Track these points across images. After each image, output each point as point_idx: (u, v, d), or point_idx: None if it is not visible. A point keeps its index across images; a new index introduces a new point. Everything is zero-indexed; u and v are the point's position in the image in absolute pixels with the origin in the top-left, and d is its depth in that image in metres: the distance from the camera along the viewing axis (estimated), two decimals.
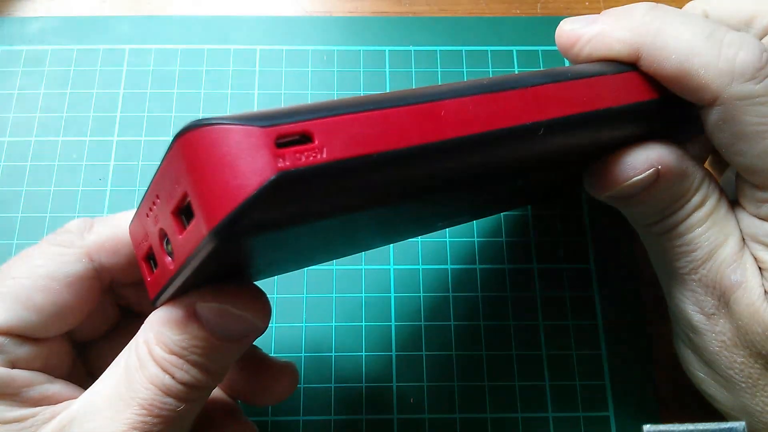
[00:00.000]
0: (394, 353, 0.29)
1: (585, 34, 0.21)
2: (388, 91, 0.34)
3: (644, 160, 0.20)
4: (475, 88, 0.17)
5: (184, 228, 0.15)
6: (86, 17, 0.35)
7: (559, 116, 0.18)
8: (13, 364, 0.20)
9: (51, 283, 0.20)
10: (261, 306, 0.19)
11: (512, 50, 0.35)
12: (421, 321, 0.30)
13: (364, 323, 0.30)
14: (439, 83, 0.34)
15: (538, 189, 0.27)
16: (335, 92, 0.34)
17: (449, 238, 0.31)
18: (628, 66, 0.21)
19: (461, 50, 0.35)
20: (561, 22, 0.22)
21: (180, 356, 0.18)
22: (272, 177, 0.13)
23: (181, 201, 0.15)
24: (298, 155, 0.14)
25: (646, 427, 0.18)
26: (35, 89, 0.33)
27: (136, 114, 0.33)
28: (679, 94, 0.20)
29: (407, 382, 0.29)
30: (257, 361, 0.24)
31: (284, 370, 0.24)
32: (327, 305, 0.30)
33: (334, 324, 0.30)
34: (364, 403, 0.28)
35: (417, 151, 0.15)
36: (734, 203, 0.22)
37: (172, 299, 0.19)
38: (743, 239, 0.21)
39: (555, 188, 0.29)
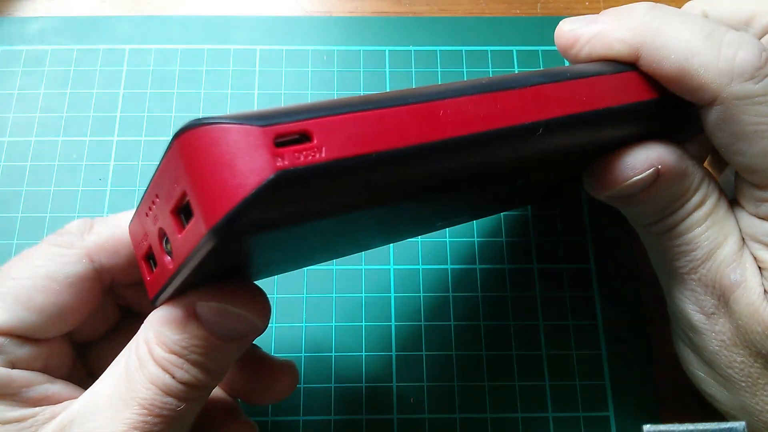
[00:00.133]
0: (394, 353, 0.29)
1: (584, 34, 0.21)
2: (388, 91, 0.34)
3: (644, 160, 0.20)
4: (474, 87, 0.17)
5: (183, 227, 0.15)
6: (86, 17, 0.35)
7: (559, 116, 0.18)
8: (13, 365, 0.20)
9: (51, 283, 0.20)
10: (261, 305, 0.19)
11: (512, 50, 0.35)
12: (421, 321, 0.30)
13: (364, 323, 0.30)
14: (439, 83, 0.34)
15: (537, 189, 0.27)
16: (335, 92, 0.34)
17: (449, 238, 0.31)
18: (628, 66, 0.21)
19: (461, 50, 0.35)
20: (560, 22, 0.22)
21: (180, 356, 0.18)
22: (271, 176, 0.13)
23: (180, 200, 0.15)
24: (296, 154, 0.14)
25: (646, 427, 0.18)
26: (35, 89, 0.33)
27: (136, 114, 0.33)
28: (679, 93, 0.20)
29: (407, 382, 0.29)
30: (257, 361, 0.24)
31: (284, 369, 0.24)
32: (327, 305, 0.30)
33: (334, 324, 0.30)
34: (364, 403, 0.28)
35: (416, 150, 0.15)
36: (733, 203, 0.22)
37: (172, 299, 0.19)
38: (743, 239, 0.21)
39: (555, 188, 0.29)
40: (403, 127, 0.15)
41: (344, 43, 0.35)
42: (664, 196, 0.21)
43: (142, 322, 0.19)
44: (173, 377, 0.18)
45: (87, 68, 0.34)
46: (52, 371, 0.21)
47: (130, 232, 0.20)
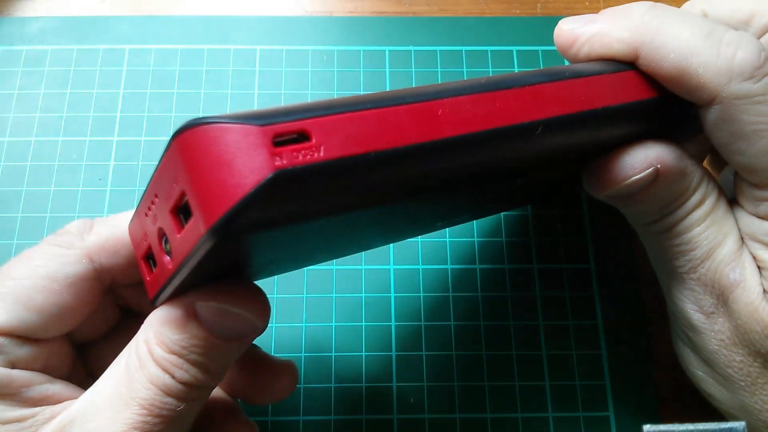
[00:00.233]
0: (394, 353, 0.29)
1: (583, 33, 0.21)
2: (386, 90, 0.34)
3: (643, 159, 0.20)
4: (473, 87, 0.17)
5: (183, 227, 0.15)
6: (86, 17, 0.35)
7: (557, 115, 0.18)
8: (13, 365, 0.20)
9: (51, 284, 0.20)
10: (260, 305, 0.19)
11: (512, 50, 0.35)
12: (421, 321, 0.30)
13: (364, 323, 0.30)
14: (438, 83, 0.34)
15: (537, 188, 0.27)
16: (335, 92, 0.34)
17: (449, 238, 0.31)
18: (627, 65, 0.21)
19: (461, 50, 0.35)
20: (560, 22, 0.22)
21: (180, 356, 0.18)
22: (269, 175, 0.13)
23: (179, 200, 0.15)
24: (295, 154, 0.14)
25: (646, 427, 0.18)
26: (35, 89, 0.33)
27: (136, 114, 0.33)
28: (678, 93, 0.20)
29: (407, 382, 0.29)
30: (257, 360, 0.24)
31: (284, 369, 0.24)
32: (327, 305, 0.30)
33: (334, 324, 0.30)
34: (364, 403, 0.28)
35: (414, 150, 0.15)
36: (733, 202, 0.22)
37: (172, 299, 0.19)
38: (742, 238, 0.21)
39: (554, 188, 0.29)
40: (401, 127, 0.15)
41: (344, 43, 0.35)
42: (664, 196, 0.21)
43: (142, 322, 0.19)
44: (173, 377, 0.18)
45: (87, 68, 0.34)
46: (52, 371, 0.21)
47: (129, 233, 0.20)
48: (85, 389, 0.20)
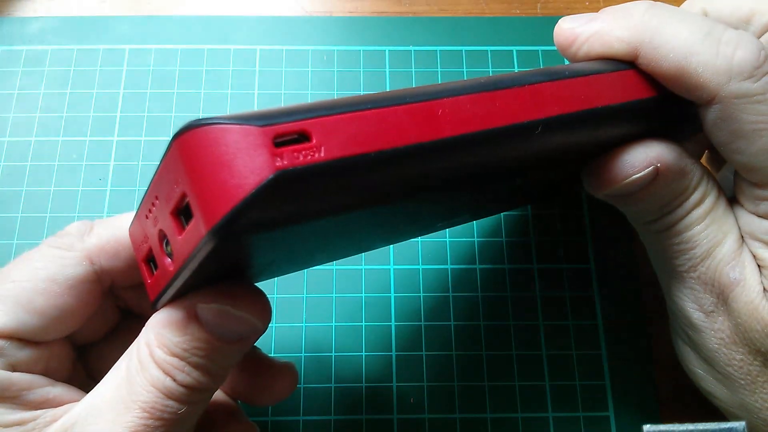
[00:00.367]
0: (394, 353, 0.29)
1: (583, 32, 0.21)
2: (387, 90, 0.34)
3: (643, 158, 0.21)
4: (473, 86, 0.17)
5: (183, 229, 0.15)
6: (86, 17, 0.35)
7: (557, 114, 0.18)
8: (13, 368, 0.20)
9: (52, 286, 0.20)
10: (261, 306, 0.19)
11: (512, 50, 0.35)
12: (421, 321, 0.30)
13: (364, 323, 0.30)
14: (438, 83, 0.34)
15: (537, 188, 0.27)
16: (335, 92, 0.34)
17: (449, 238, 0.31)
18: (627, 64, 0.21)
19: (461, 50, 0.35)
20: (559, 21, 0.22)
21: (181, 358, 0.18)
22: (270, 176, 0.13)
23: (180, 201, 0.15)
24: (295, 154, 0.14)
25: (646, 427, 0.18)
26: (35, 89, 0.33)
27: (136, 114, 0.33)
28: (677, 92, 0.20)
29: (407, 382, 0.29)
30: (257, 362, 0.24)
31: (284, 370, 0.24)
32: (327, 305, 0.30)
33: (334, 324, 0.30)
34: (364, 403, 0.28)
35: (414, 149, 0.15)
36: (733, 201, 0.22)
37: (173, 301, 0.18)
38: (742, 237, 0.21)
39: (554, 187, 0.29)
40: (401, 127, 0.15)
41: (344, 43, 0.35)
42: (663, 195, 0.21)
43: (142, 324, 0.19)
44: (174, 380, 0.18)
45: (87, 68, 0.34)
46: (52, 374, 0.21)
47: (130, 235, 0.20)
48: (85, 391, 0.20)
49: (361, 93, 0.34)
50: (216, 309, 0.18)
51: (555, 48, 0.23)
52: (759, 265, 0.21)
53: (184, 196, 0.15)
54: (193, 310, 0.18)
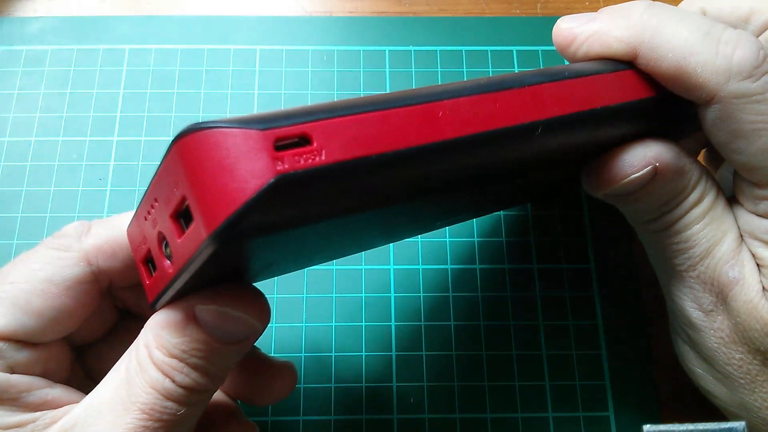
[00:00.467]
0: (394, 353, 0.29)
1: (582, 32, 0.21)
2: (388, 91, 0.34)
3: (641, 158, 0.21)
4: (473, 88, 0.17)
5: (183, 231, 0.15)
6: (86, 17, 0.35)
7: (557, 115, 0.18)
8: (12, 369, 0.20)
9: (49, 287, 0.20)
10: (260, 307, 0.19)
11: (512, 50, 0.35)
12: (421, 321, 0.30)
13: (364, 323, 0.30)
14: (439, 83, 0.34)
15: (537, 187, 0.28)
16: (335, 92, 0.34)
17: (449, 238, 0.31)
18: (626, 64, 0.21)
19: (461, 50, 0.35)
20: (558, 20, 0.22)
21: (180, 359, 0.18)
22: (271, 180, 0.13)
23: (180, 204, 0.15)
24: (296, 158, 0.14)
25: (646, 427, 0.18)
26: (35, 89, 0.33)
27: (136, 114, 0.33)
28: (677, 92, 0.20)
29: (407, 382, 0.29)
30: (257, 362, 0.24)
31: (283, 369, 0.24)
32: (327, 305, 0.30)
33: (334, 324, 0.30)
34: (364, 403, 0.28)
35: (415, 152, 0.15)
36: (732, 200, 0.22)
37: (171, 302, 0.18)
38: (741, 236, 0.21)
39: (555, 186, 0.29)
40: (402, 129, 0.15)
41: (344, 43, 0.35)
42: (662, 194, 0.21)
43: (141, 324, 0.19)
44: (173, 381, 0.18)
45: (87, 68, 0.34)
46: (51, 375, 0.21)
47: (128, 236, 0.20)
48: (84, 392, 0.20)
49: (361, 93, 0.34)
50: (214, 310, 0.18)
51: (555, 48, 0.23)
52: (758, 264, 0.21)
53: (184, 199, 0.15)
54: (192, 311, 0.18)
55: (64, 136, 0.32)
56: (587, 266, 0.31)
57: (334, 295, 0.30)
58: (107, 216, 0.31)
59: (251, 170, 0.13)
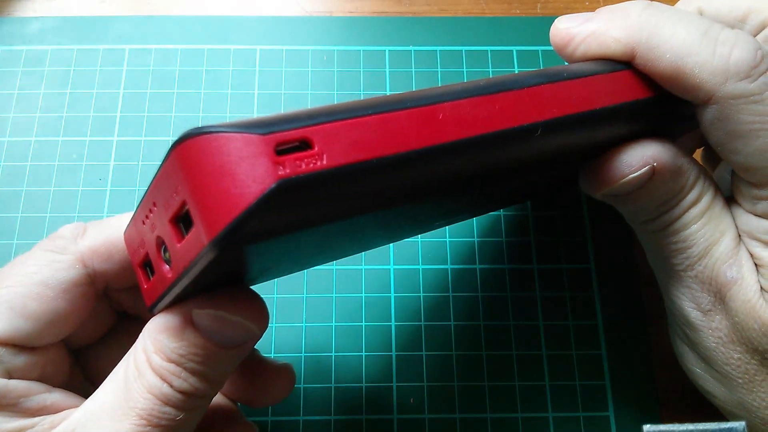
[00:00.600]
0: (394, 353, 0.29)
1: (580, 32, 0.21)
2: (388, 91, 0.34)
3: (639, 158, 0.21)
4: (473, 89, 0.17)
5: (183, 237, 0.15)
6: (86, 17, 0.35)
7: (556, 117, 0.18)
8: (9, 374, 0.19)
9: (45, 290, 0.20)
10: (258, 311, 0.19)
11: (512, 50, 0.35)
12: (421, 321, 0.30)
13: (364, 323, 0.30)
14: (439, 83, 0.34)
15: (536, 187, 0.28)
16: (335, 92, 0.34)
17: (449, 238, 0.31)
18: (624, 65, 0.21)
19: (461, 50, 0.35)
20: (556, 21, 0.22)
21: (178, 364, 0.18)
22: (273, 185, 0.13)
23: (179, 209, 0.15)
24: (298, 162, 0.14)
25: (646, 427, 0.18)
26: (35, 89, 0.33)
27: (136, 114, 0.33)
28: (674, 92, 0.20)
29: (407, 382, 0.29)
30: (255, 364, 0.24)
31: (282, 371, 0.24)
32: (327, 305, 0.30)
33: (334, 324, 0.30)
34: (364, 403, 0.28)
35: (416, 155, 0.15)
36: (730, 200, 0.22)
37: (169, 306, 0.18)
38: (739, 236, 0.21)
39: (554, 185, 0.29)
40: (403, 132, 0.15)
41: (344, 43, 0.35)
42: (660, 194, 0.21)
43: (138, 326, 0.19)
44: (171, 386, 0.18)
45: (87, 68, 0.34)
46: (49, 379, 0.21)
47: (125, 239, 0.20)
48: (83, 394, 0.20)
49: (361, 93, 0.34)
50: (212, 315, 0.18)
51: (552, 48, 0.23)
52: (756, 264, 0.21)
53: (184, 204, 0.15)
54: (189, 315, 0.18)
55: (64, 136, 0.32)
56: (587, 266, 0.31)
57: (334, 295, 0.30)
58: (107, 216, 0.31)
59: (252, 175, 0.13)
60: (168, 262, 0.17)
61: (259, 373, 0.24)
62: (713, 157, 0.28)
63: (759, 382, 0.21)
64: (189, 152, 0.14)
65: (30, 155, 0.32)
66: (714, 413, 0.24)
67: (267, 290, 0.30)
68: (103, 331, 0.24)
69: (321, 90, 0.34)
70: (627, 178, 0.21)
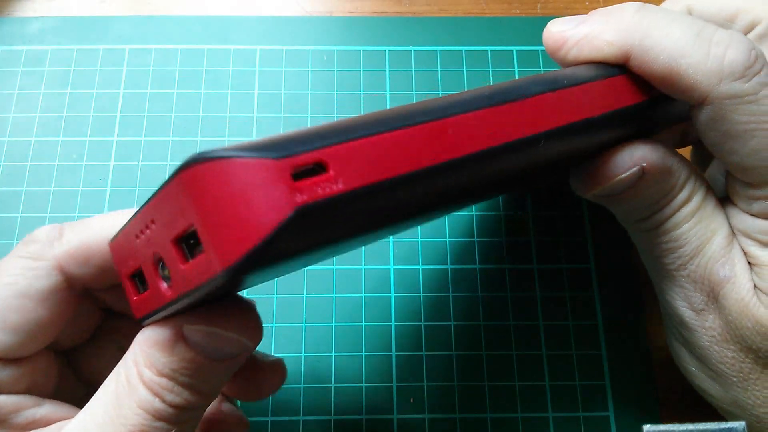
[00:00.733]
0: (394, 353, 0.29)
1: (573, 35, 0.21)
2: (387, 91, 0.34)
3: (629, 159, 0.21)
4: (478, 101, 0.17)
5: (187, 258, 0.15)
6: (86, 17, 0.35)
7: (559, 126, 0.18)
8: None
9: (24, 301, 0.20)
10: (252, 326, 0.19)
11: (512, 50, 0.35)
12: (421, 321, 0.30)
13: (364, 323, 0.30)
14: (439, 83, 0.34)
15: (533, 184, 0.28)
16: (335, 92, 0.34)
17: (449, 238, 0.31)
18: (619, 68, 0.21)
19: (461, 50, 0.35)
20: (549, 24, 0.22)
21: (170, 378, 0.17)
22: (291, 214, 0.13)
23: (184, 231, 0.15)
24: (314, 187, 0.13)
25: (646, 427, 0.18)
26: (35, 89, 0.33)
27: (136, 114, 0.33)
28: (669, 94, 0.20)
29: (407, 382, 0.29)
30: (247, 360, 0.24)
31: (274, 367, 0.24)
32: (327, 305, 0.30)
33: (334, 324, 0.30)
34: (364, 403, 0.28)
35: (428, 171, 0.15)
36: (724, 199, 0.22)
37: (161, 320, 0.18)
38: (732, 234, 0.21)
39: (548, 182, 0.29)
40: (415, 150, 0.15)
41: (344, 43, 0.35)
42: (650, 193, 0.21)
43: (125, 322, 0.18)
44: (164, 401, 0.17)
45: (87, 68, 0.34)
46: (38, 388, 0.20)
47: (112, 248, 0.19)
48: (76, 396, 0.19)
49: (361, 93, 0.34)
50: (203, 331, 0.17)
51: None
52: (751, 263, 0.21)
53: (190, 227, 0.14)
54: (180, 330, 0.17)
55: (64, 136, 0.32)
56: (587, 266, 0.31)
57: (334, 295, 0.30)
58: None
59: (269, 203, 0.13)
60: (166, 279, 0.16)
61: (251, 368, 0.23)
62: (704, 158, 0.28)
63: (753, 381, 0.21)
64: (200, 178, 0.14)
65: (30, 155, 0.32)
66: (714, 413, 0.24)
67: (267, 290, 0.30)
68: (91, 330, 0.23)
69: (321, 90, 0.34)
70: (617, 178, 0.21)
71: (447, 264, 0.31)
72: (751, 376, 0.21)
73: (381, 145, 0.14)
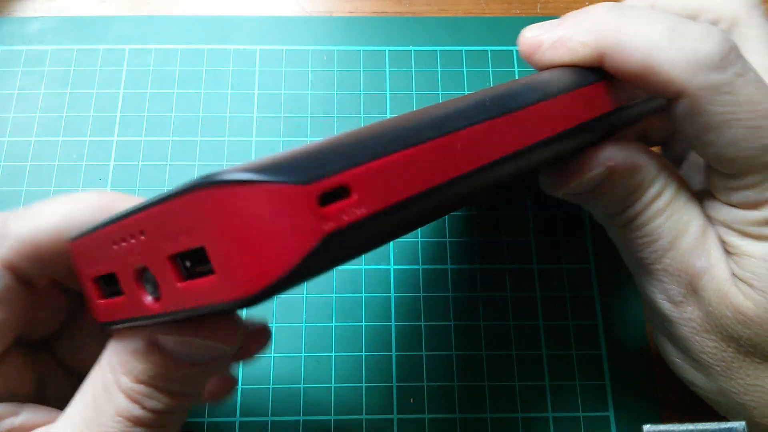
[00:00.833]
0: (394, 353, 0.29)
1: (546, 40, 0.21)
2: (387, 91, 0.34)
3: (595, 158, 0.21)
4: (480, 111, 0.17)
5: (184, 278, 0.14)
6: (86, 17, 0.35)
7: (555, 134, 0.19)
8: None
9: None
10: (229, 331, 0.18)
11: (512, 50, 0.35)
12: (421, 321, 0.30)
13: (364, 323, 0.30)
14: (439, 83, 0.34)
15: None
16: (335, 92, 0.34)
17: (449, 238, 0.31)
18: (597, 72, 0.21)
19: (461, 50, 0.35)
20: (523, 29, 0.22)
21: (147, 384, 0.17)
22: (319, 243, 0.13)
23: (186, 250, 0.14)
24: (340, 214, 0.13)
25: (646, 427, 0.18)
26: (35, 89, 0.33)
27: (136, 114, 0.33)
28: (646, 90, 0.20)
29: (407, 382, 0.29)
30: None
31: (258, 333, 0.23)
32: (327, 305, 0.30)
33: (334, 324, 0.30)
34: (364, 403, 0.28)
35: (441, 187, 0.15)
36: (702, 192, 0.22)
37: (132, 328, 0.17)
38: (706, 226, 0.22)
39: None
40: (427, 169, 0.15)
41: (344, 43, 0.35)
42: (620, 191, 0.21)
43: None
44: (143, 407, 0.17)
45: (87, 68, 0.34)
46: (13, 390, 0.20)
47: (74, 247, 0.18)
48: (60, 383, 0.19)
49: (361, 93, 0.34)
50: (177, 340, 0.17)
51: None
52: (731, 253, 0.21)
53: (196, 247, 0.14)
54: (155, 338, 0.17)
55: (64, 136, 0.32)
56: (587, 266, 0.31)
57: (334, 295, 0.30)
58: None
59: (296, 232, 0.13)
60: (153, 293, 0.16)
61: None
62: (675, 157, 0.28)
63: (736, 369, 0.21)
64: (220, 201, 0.13)
65: (30, 155, 0.32)
66: (714, 414, 0.24)
67: None
68: (63, 316, 0.22)
69: (321, 90, 0.34)
70: (584, 177, 0.21)
71: (447, 264, 0.31)
72: (733, 364, 0.21)
73: (398, 165, 0.15)
